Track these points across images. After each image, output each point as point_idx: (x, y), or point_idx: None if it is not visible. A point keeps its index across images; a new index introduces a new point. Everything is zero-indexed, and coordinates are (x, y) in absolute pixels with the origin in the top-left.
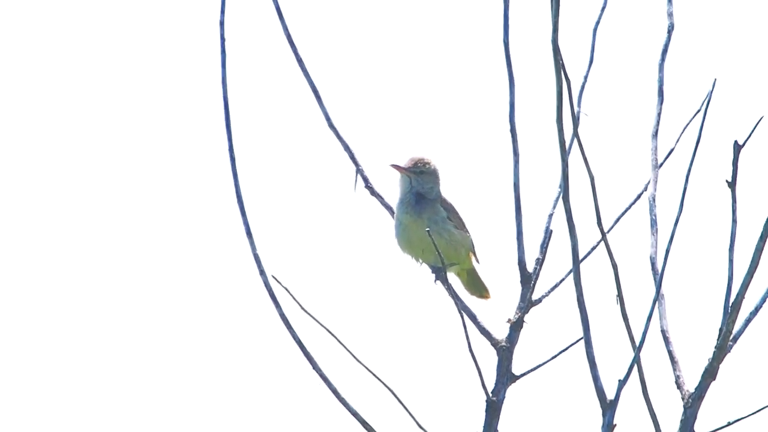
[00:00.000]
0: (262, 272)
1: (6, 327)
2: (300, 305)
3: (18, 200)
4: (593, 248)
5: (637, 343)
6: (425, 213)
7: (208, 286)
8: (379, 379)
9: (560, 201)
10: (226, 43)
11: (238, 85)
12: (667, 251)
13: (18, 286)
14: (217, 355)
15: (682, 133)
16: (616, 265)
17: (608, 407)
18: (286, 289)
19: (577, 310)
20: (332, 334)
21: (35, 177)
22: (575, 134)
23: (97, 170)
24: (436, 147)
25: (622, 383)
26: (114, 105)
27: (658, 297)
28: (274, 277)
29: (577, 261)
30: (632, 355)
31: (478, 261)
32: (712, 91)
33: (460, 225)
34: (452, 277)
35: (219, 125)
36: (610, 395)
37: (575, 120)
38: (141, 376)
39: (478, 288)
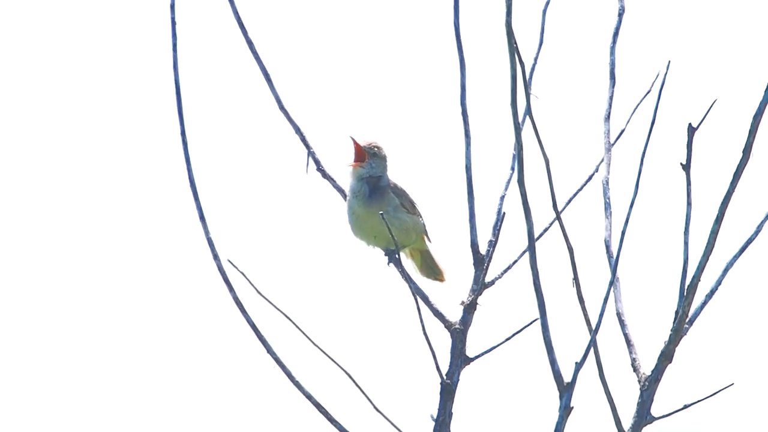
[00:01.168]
0: (215, 256)
1: None
2: (255, 288)
3: None
4: (545, 230)
5: (594, 326)
6: (377, 204)
7: (161, 271)
8: (333, 361)
9: (512, 183)
10: (176, 26)
11: (190, 69)
12: (623, 234)
13: None
14: (172, 340)
15: (632, 114)
16: (571, 248)
17: (565, 390)
18: (242, 273)
19: (534, 293)
20: (287, 317)
21: None
22: (530, 117)
23: (44, 156)
24: (387, 129)
25: (578, 366)
26: (64, 89)
27: (613, 280)
28: (230, 261)
29: (533, 244)
30: (588, 337)
31: (430, 240)
32: (666, 73)
33: (411, 209)
34: (406, 261)
35: (171, 109)
36: (566, 378)
37: (529, 103)
38: (95, 363)
39: (434, 270)
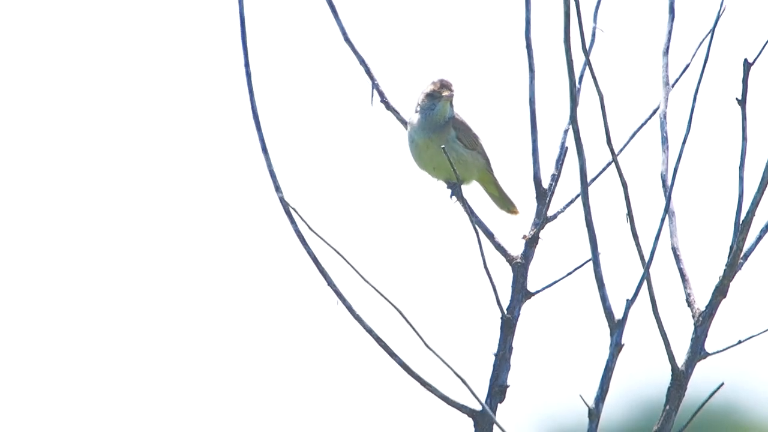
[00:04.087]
0: (277, 188)
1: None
2: (309, 226)
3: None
4: (603, 169)
5: (646, 261)
6: (435, 133)
7: (223, 202)
8: (386, 299)
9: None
10: None
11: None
12: (676, 168)
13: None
14: (235, 272)
15: (697, 50)
16: (625, 183)
17: (616, 327)
18: (295, 210)
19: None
20: (339, 254)
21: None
22: (586, 55)
23: (126, 90)
24: (451, 62)
25: (630, 303)
26: (133, 27)
27: (667, 213)
28: (283, 198)
29: (584, 182)
30: (642, 273)
31: (495, 178)
32: (721, 10)
33: (472, 144)
34: (479, 195)
35: (235, 40)
36: (618, 315)
37: (584, 40)
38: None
39: (506, 203)
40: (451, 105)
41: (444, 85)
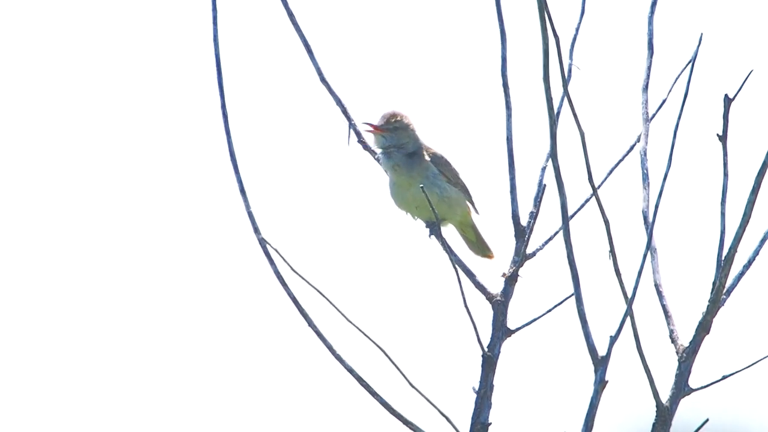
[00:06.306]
0: (256, 230)
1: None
2: (290, 265)
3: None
4: (583, 204)
5: (629, 297)
6: (415, 170)
7: (202, 246)
8: (368, 337)
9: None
10: None
11: (230, 41)
12: (657, 204)
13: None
14: (213, 313)
15: (673, 85)
16: (607, 221)
17: (600, 363)
18: (276, 250)
19: (568, 267)
20: (321, 293)
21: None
22: (565, 90)
23: (90, 127)
24: (428, 101)
25: (613, 339)
26: (106, 62)
27: (647, 251)
28: (263, 239)
29: (566, 219)
30: (625, 310)
31: (477, 212)
32: (699, 45)
33: (454, 179)
34: (456, 236)
35: (211, 82)
36: (602, 351)
37: (564, 76)
38: (138, 336)
39: (482, 248)
40: (394, 134)
41: (382, 117)
